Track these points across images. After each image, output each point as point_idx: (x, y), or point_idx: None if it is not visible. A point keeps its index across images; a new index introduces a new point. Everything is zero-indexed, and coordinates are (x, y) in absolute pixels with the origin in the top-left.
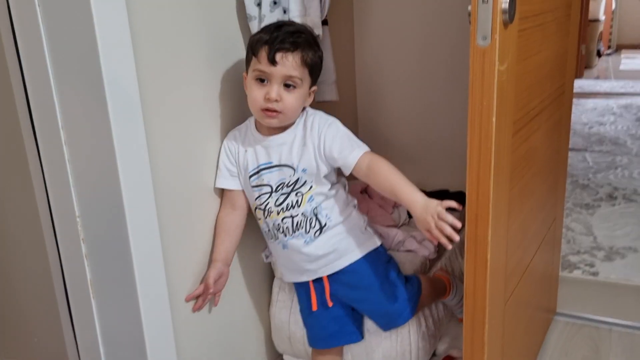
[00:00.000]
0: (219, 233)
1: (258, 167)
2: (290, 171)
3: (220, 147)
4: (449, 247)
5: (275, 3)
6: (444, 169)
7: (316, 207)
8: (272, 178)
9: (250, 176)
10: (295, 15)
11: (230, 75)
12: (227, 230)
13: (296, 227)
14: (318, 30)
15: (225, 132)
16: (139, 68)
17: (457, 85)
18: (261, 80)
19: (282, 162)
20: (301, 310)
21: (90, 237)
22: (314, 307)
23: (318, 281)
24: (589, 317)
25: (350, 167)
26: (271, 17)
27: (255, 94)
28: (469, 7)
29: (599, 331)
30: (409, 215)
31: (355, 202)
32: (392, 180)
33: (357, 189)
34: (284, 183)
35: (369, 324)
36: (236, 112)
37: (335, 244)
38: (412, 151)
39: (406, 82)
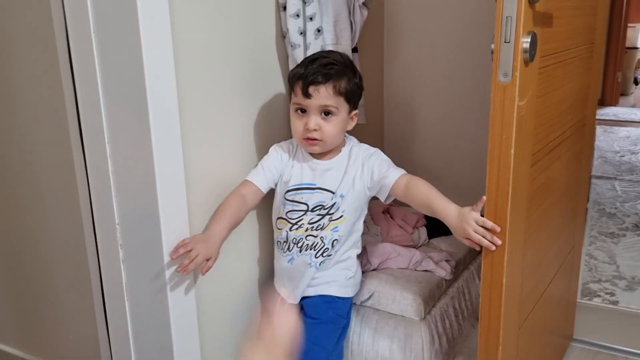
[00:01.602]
0: (223, 215)
1: (301, 185)
2: (330, 195)
3: (271, 149)
4: (493, 248)
5: (319, 31)
6: (465, 195)
7: (336, 239)
8: (310, 198)
9: (289, 190)
10: (328, 44)
11: (266, 99)
12: (232, 215)
13: (312, 247)
14: None
15: (258, 152)
16: (180, 89)
17: (480, 113)
18: (301, 111)
19: (325, 187)
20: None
21: (127, 243)
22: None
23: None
24: (607, 345)
25: (389, 185)
26: (316, 44)
27: (297, 125)
28: (492, 46)
29: (615, 359)
30: (429, 237)
31: (360, 247)
32: (428, 195)
33: (379, 209)
34: (322, 205)
35: (384, 337)
36: (270, 135)
37: (329, 276)
38: (435, 176)
39: (432, 109)
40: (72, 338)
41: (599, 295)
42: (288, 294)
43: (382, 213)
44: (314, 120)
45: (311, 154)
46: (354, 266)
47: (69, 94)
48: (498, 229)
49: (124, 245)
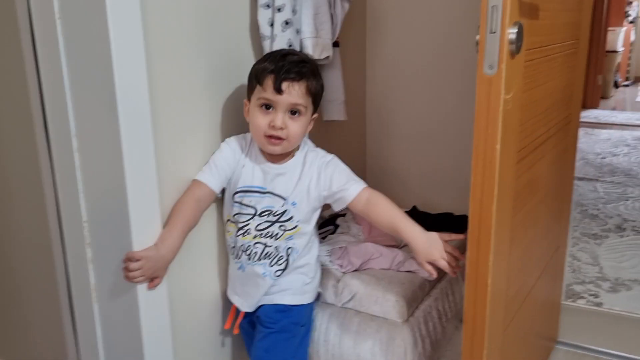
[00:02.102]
0: (178, 224)
1: (250, 187)
2: (281, 201)
3: (222, 146)
4: (455, 275)
5: (287, 23)
6: (449, 192)
7: (291, 248)
8: (259, 202)
9: (238, 192)
10: (307, 37)
11: (241, 94)
12: (186, 223)
13: (264, 256)
14: (328, 52)
15: None
16: (151, 80)
17: (464, 110)
18: (266, 108)
19: (276, 192)
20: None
21: (96, 242)
22: (227, 326)
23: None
24: (591, 347)
25: (349, 200)
26: (283, 37)
27: (260, 121)
28: (477, 37)
29: None
30: None
31: (317, 248)
32: (391, 214)
33: None
34: (271, 211)
35: (366, 340)
36: (244, 131)
37: (284, 283)
38: (418, 173)
39: (414, 104)
40: (40, 341)
41: (583, 297)
42: (242, 302)
43: None
44: (281, 117)
45: (264, 155)
46: (311, 271)
47: (33, 84)
48: (463, 260)
49: (92, 244)
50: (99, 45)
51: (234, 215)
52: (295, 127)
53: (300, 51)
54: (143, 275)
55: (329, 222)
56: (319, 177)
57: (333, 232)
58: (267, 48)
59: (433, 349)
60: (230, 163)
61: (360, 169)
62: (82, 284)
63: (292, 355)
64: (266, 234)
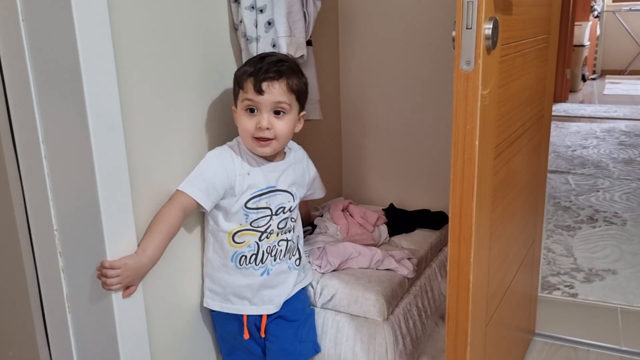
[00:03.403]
0: (162, 228)
1: (262, 190)
2: (290, 197)
3: (212, 161)
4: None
5: (269, 24)
6: (425, 189)
7: (299, 236)
8: (272, 202)
9: (252, 198)
10: (281, 35)
11: (218, 95)
12: (171, 230)
13: (287, 251)
14: (302, 51)
15: (204, 150)
16: (122, 82)
17: (439, 106)
18: (251, 111)
19: (284, 188)
20: (222, 337)
21: (67, 251)
22: (246, 336)
23: (252, 317)
24: (568, 338)
25: (306, 199)
26: (266, 37)
27: (246, 124)
28: (453, 33)
29: (577, 352)
30: (390, 234)
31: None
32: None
33: (339, 207)
34: (284, 208)
35: (347, 339)
36: (221, 133)
37: (301, 275)
38: (394, 170)
39: (389, 102)
40: (12, 354)
41: (558, 289)
42: (266, 308)
43: (341, 211)
44: (267, 118)
45: (262, 157)
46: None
47: None
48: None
49: (63, 253)
50: (66, 47)
51: (252, 222)
52: (282, 125)
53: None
54: (120, 283)
55: (307, 223)
56: (306, 174)
57: (311, 233)
58: (254, 50)
59: (414, 346)
60: (223, 181)
61: (336, 168)
62: (55, 293)
63: (315, 333)
64: (285, 230)
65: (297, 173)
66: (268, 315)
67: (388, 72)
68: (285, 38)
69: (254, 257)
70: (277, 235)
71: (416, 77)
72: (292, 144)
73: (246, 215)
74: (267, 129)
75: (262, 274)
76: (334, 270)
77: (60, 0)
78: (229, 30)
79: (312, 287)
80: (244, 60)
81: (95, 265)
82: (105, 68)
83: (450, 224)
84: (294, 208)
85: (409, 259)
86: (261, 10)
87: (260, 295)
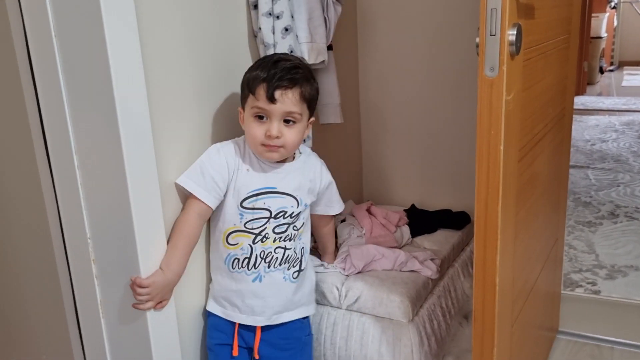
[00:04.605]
0: (181, 241)
1: (260, 189)
2: (294, 202)
3: (211, 154)
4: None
5: (286, 30)
6: (446, 188)
7: (303, 248)
8: (272, 204)
9: (248, 197)
10: (303, 42)
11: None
12: (191, 240)
13: (284, 260)
14: (323, 56)
15: None
16: (149, 93)
17: (459, 106)
18: (260, 117)
19: (287, 191)
20: (210, 349)
21: (100, 258)
22: (235, 352)
23: (248, 329)
24: (591, 336)
25: (324, 214)
26: (283, 43)
27: (255, 132)
28: (477, 39)
29: (601, 350)
30: (412, 235)
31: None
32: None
33: (363, 207)
34: (285, 212)
35: (372, 341)
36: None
37: (300, 292)
38: (415, 172)
39: (409, 103)
40: (46, 358)
41: (580, 286)
42: (254, 319)
43: (365, 211)
44: (277, 126)
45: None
46: (312, 273)
47: (31, 102)
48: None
49: (97, 261)
50: (97, 60)
51: (246, 223)
52: (292, 135)
53: (292, 53)
54: (151, 300)
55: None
56: (317, 180)
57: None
58: None
59: (439, 347)
60: (224, 177)
61: (356, 170)
62: (89, 300)
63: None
64: (285, 237)
65: (305, 178)
66: (262, 332)
67: (407, 74)
68: (306, 44)
69: (246, 260)
70: (274, 241)
71: (435, 78)
72: (305, 149)
73: (241, 215)
74: (277, 137)
75: (253, 280)
76: (358, 273)
77: (91, 14)
78: (248, 37)
79: (337, 289)
80: None
81: (128, 272)
82: (135, 79)
83: (476, 227)
84: (299, 215)
85: (432, 259)
86: (278, 17)
87: (250, 304)
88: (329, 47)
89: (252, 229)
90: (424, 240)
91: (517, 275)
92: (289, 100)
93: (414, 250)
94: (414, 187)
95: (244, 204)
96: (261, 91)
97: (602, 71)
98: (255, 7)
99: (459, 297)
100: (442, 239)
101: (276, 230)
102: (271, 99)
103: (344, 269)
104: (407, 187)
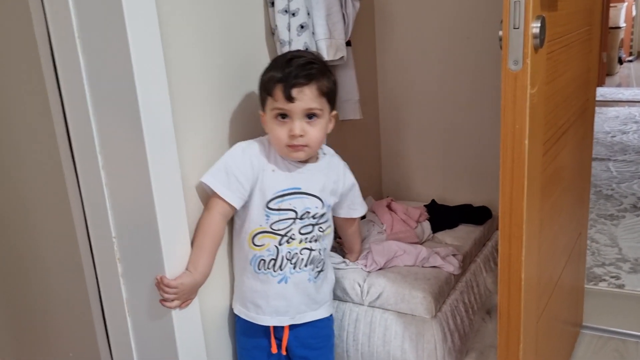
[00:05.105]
0: (206, 241)
1: (286, 190)
2: (319, 203)
3: (236, 154)
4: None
5: (302, 27)
6: (467, 183)
7: (325, 249)
8: (297, 204)
9: (273, 199)
10: (321, 38)
11: (257, 99)
12: (216, 240)
13: (310, 262)
14: (342, 52)
15: None
16: (171, 93)
17: (479, 101)
18: (282, 117)
19: (312, 192)
20: (243, 349)
21: (126, 257)
22: (274, 350)
23: (277, 329)
24: (616, 330)
25: (347, 217)
26: (298, 40)
27: (278, 133)
28: (500, 32)
29: (626, 344)
30: (433, 231)
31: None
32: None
33: (383, 204)
34: (310, 213)
35: (395, 337)
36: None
37: (321, 292)
38: (435, 167)
39: (428, 98)
40: (73, 356)
41: (604, 280)
42: (279, 318)
43: (385, 207)
44: (299, 125)
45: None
46: (332, 274)
47: (55, 103)
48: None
49: (122, 259)
50: (120, 62)
51: (272, 224)
52: (315, 132)
53: (307, 50)
54: (178, 299)
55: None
56: (340, 182)
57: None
58: None
59: (462, 343)
60: (248, 177)
61: (376, 166)
62: (115, 299)
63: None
64: (311, 238)
65: (329, 179)
66: (290, 331)
67: (426, 68)
68: (325, 40)
69: (272, 262)
70: (300, 242)
71: (454, 72)
72: (329, 150)
73: (267, 216)
74: (301, 135)
75: (279, 282)
76: (379, 269)
77: (113, 16)
78: (266, 35)
79: (359, 285)
80: None
81: (153, 270)
82: (157, 80)
83: (501, 222)
84: (323, 216)
85: (454, 255)
86: (294, 14)
87: (274, 305)
88: (348, 43)
89: (279, 230)
90: (445, 236)
91: (542, 270)
92: (307, 97)
93: (435, 246)
94: (434, 182)
95: (270, 205)
96: (278, 91)
97: (621, 62)
98: (272, 4)
99: (482, 293)
100: (463, 234)
101: (302, 231)
102: (289, 98)
103: (366, 266)
104: (427, 183)
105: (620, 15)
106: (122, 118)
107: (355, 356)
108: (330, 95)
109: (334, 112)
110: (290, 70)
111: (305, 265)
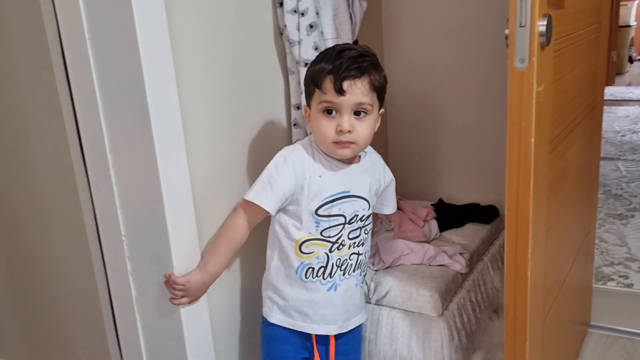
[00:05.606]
0: (226, 246)
1: (335, 195)
2: (366, 205)
3: (281, 165)
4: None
5: (311, 27)
6: (474, 182)
7: (368, 252)
8: (346, 209)
9: (322, 205)
10: (328, 38)
11: (266, 99)
12: (236, 245)
13: (358, 266)
14: None
15: (262, 155)
16: (180, 92)
17: (485, 100)
18: (328, 112)
19: (360, 194)
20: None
21: (135, 255)
22: (317, 358)
23: (320, 337)
24: (624, 330)
25: (374, 212)
26: (308, 40)
27: (325, 128)
28: (506, 31)
29: (634, 344)
30: (440, 229)
31: None
32: None
33: None
34: (357, 216)
35: (402, 335)
36: (271, 137)
37: (362, 296)
38: (443, 166)
39: (435, 98)
40: (83, 353)
41: (612, 279)
42: (327, 326)
43: None
44: (347, 120)
45: (337, 159)
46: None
47: (66, 102)
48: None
49: (131, 257)
50: (129, 62)
51: (322, 231)
52: (363, 128)
53: (356, 43)
54: (186, 297)
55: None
56: (382, 180)
57: None
58: (296, 53)
59: (469, 341)
60: (290, 184)
61: None
62: (124, 296)
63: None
64: (358, 242)
65: (374, 178)
66: (336, 340)
67: (432, 67)
68: (332, 40)
69: (322, 269)
70: (349, 247)
71: (461, 70)
72: (367, 147)
73: (317, 223)
74: (349, 131)
75: (328, 289)
76: (387, 268)
77: (123, 16)
78: (275, 36)
79: (366, 284)
80: (289, 65)
81: (161, 268)
82: (166, 79)
83: (507, 221)
84: (368, 218)
85: (461, 254)
86: (303, 14)
87: (323, 314)
88: (355, 43)
89: (329, 237)
90: (452, 235)
91: (549, 269)
92: (358, 90)
93: (442, 244)
94: (441, 181)
95: (319, 212)
96: (328, 84)
97: (631, 60)
98: (281, 4)
99: (489, 291)
100: (470, 233)
101: (350, 235)
102: (340, 91)
103: (373, 264)
104: (434, 182)
105: (630, 14)
106: (131, 118)
107: (362, 354)
108: (381, 91)
109: (382, 110)
110: (342, 62)
111: (354, 271)
